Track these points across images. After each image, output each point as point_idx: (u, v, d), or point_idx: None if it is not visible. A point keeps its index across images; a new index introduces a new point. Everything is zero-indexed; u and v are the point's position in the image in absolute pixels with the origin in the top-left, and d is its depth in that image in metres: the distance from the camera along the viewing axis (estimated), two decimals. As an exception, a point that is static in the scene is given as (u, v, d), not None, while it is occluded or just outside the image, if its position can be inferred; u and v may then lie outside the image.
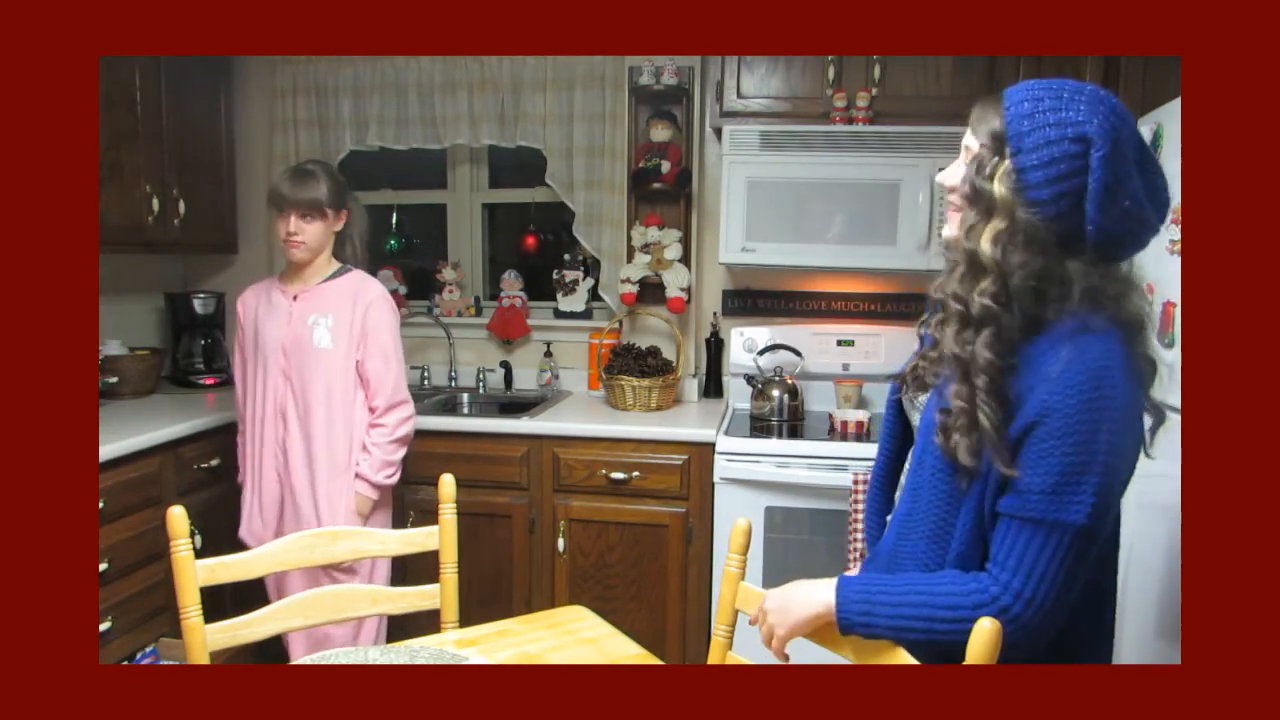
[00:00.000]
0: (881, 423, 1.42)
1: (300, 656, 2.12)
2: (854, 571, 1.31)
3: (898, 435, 1.38)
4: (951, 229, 1.16)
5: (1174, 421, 1.84)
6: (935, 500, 1.15)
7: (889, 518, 1.33)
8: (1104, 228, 1.03)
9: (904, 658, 1.12)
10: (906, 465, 1.28)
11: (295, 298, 2.22)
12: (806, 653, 1.33)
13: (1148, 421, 1.12)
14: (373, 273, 3.32)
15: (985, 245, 1.07)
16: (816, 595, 1.16)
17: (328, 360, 2.17)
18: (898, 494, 1.31)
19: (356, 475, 2.18)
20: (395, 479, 2.25)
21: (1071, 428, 1.00)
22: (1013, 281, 1.05)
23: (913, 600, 1.09)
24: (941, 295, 1.14)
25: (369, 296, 2.22)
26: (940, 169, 1.24)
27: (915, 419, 1.28)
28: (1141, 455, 1.11)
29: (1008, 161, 1.06)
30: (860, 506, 2.28)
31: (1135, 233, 1.08)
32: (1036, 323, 1.07)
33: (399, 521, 2.65)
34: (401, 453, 2.25)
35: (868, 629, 1.12)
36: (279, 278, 2.31)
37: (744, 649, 1.42)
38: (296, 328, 2.19)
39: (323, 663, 1.29)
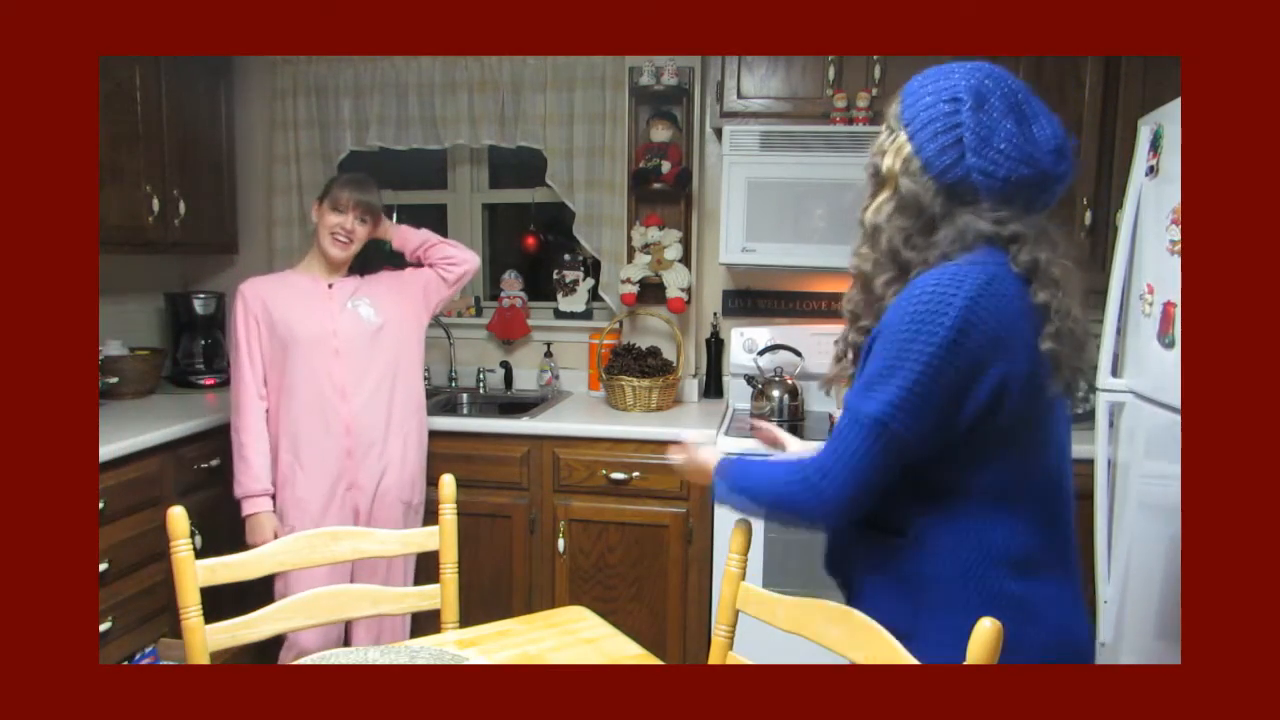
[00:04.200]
0: None
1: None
2: None
3: None
4: None
5: (1174, 421, 1.85)
6: None
7: None
8: (986, 171, 1.12)
9: (904, 658, 1.12)
10: None
11: (330, 286, 2.34)
12: (807, 653, 1.33)
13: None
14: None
15: (868, 215, 1.22)
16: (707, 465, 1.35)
17: (375, 332, 2.33)
18: None
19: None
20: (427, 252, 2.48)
21: (891, 336, 1.11)
22: (883, 243, 1.18)
23: (763, 471, 1.23)
24: None
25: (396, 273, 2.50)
26: None
27: None
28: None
29: (902, 134, 1.18)
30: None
31: (1028, 177, 1.13)
32: (924, 267, 1.16)
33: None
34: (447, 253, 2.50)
35: (732, 493, 1.27)
36: (294, 270, 2.41)
37: (744, 649, 1.42)
38: (344, 311, 2.31)
39: (323, 663, 1.29)
